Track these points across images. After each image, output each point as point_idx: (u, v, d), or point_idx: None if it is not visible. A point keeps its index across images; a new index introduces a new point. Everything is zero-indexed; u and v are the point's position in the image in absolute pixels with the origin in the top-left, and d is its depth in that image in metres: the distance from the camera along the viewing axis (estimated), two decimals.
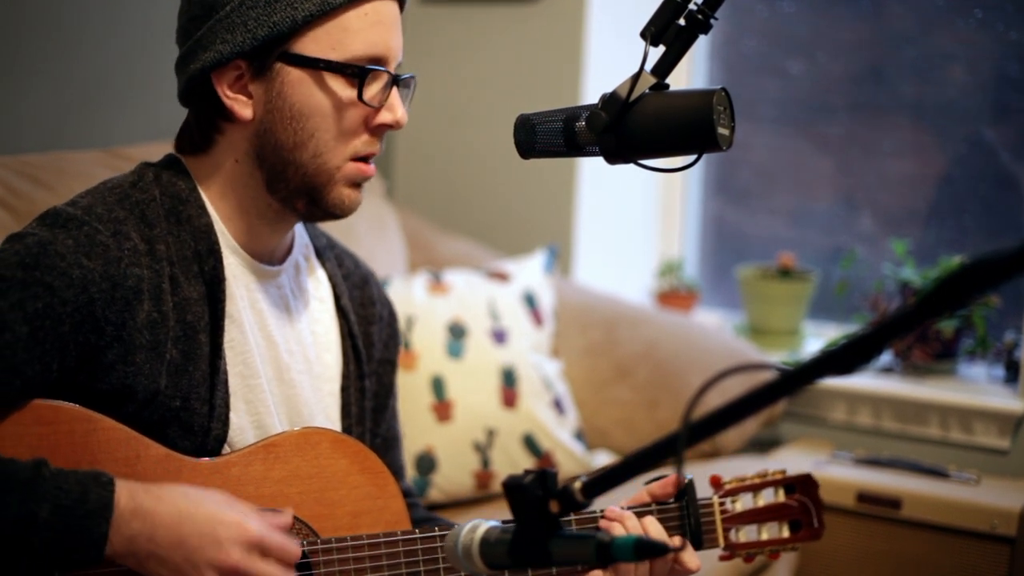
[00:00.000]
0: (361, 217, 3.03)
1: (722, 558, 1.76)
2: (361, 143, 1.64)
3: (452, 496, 2.77)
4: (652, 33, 1.40)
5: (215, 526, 1.45)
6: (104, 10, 2.72)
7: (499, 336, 2.87)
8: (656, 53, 1.41)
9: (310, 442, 1.66)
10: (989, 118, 3.41)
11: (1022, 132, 3.38)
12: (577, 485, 1.20)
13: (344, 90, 1.61)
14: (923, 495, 2.87)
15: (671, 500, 1.70)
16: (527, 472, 1.22)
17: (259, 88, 1.62)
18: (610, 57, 3.51)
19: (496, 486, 2.79)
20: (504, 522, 1.30)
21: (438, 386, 2.78)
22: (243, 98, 1.63)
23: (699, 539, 1.71)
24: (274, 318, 1.72)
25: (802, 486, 1.78)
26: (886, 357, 3.33)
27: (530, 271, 3.04)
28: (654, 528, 1.64)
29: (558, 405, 2.87)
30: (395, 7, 1.66)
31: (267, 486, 1.62)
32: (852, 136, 3.60)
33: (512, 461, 2.79)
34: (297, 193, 1.64)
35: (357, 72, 1.60)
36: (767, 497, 1.76)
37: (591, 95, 3.41)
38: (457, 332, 2.84)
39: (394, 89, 1.64)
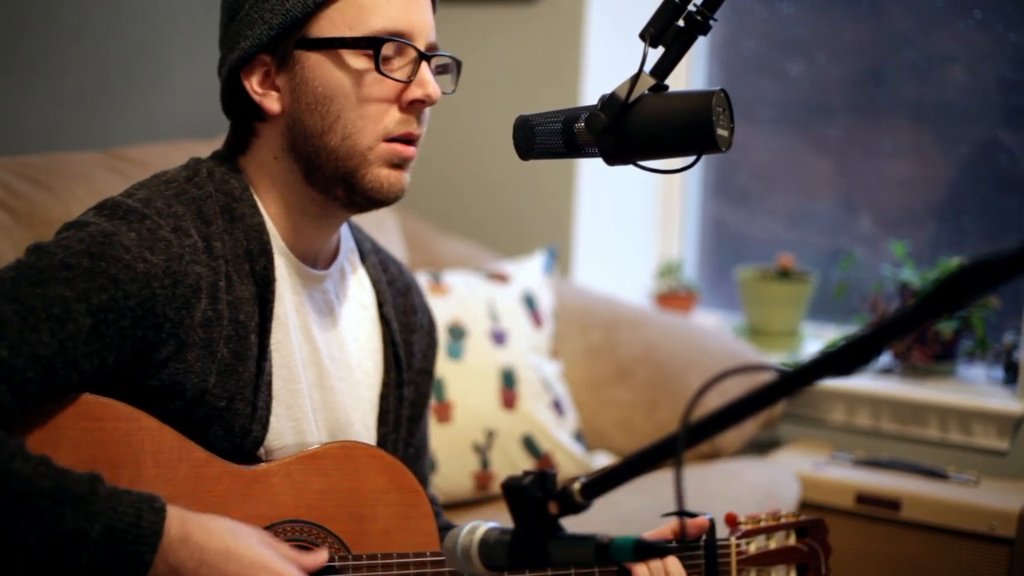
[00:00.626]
0: (360, 218, 3.03)
1: None
2: (393, 122, 1.61)
3: (451, 497, 2.77)
4: (651, 34, 1.40)
5: (259, 571, 1.45)
6: (104, 11, 2.72)
7: (498, 337, 2.87)
8: (655, 54, 1.41)
9: (350, 456, 1.66)
10: (989, 119, 3.41)
11: (1022, 133, 3.38)
12: (576, 486, 1.20)
13: (364, 65, 1.59)
14: (922, 496, 2.87)
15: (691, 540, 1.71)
16: (526, 473, 1.21)
17: (284, 79, 1.62)
18: (609, 58, 3.51)
19: (495, 487, 2.79)
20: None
21: (437, 387, 2.78)
22: (271, 92, 1.63)
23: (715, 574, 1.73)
24: (318, 323, 1.72)
25: (813, 530, 1.81)
26: (885, 358, 3.33)
27: (529, 272, 3.04)
28: (674, 565, 1.65)
29: (557, 406, 2.87)
30: None
31: (304, 497, 1.61)
32: (851, 137, 3.60)
33: (511, 462, 2.79)
34: (333, 180, 1.62)
35: (370, 44, 1.58)
36: (779, 538, 1.79)
37: (590, 96, 3.41)
38: (456, 333, 2.84)
39: (424, 65, 1.62)
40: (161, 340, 1.52)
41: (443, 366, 2.79)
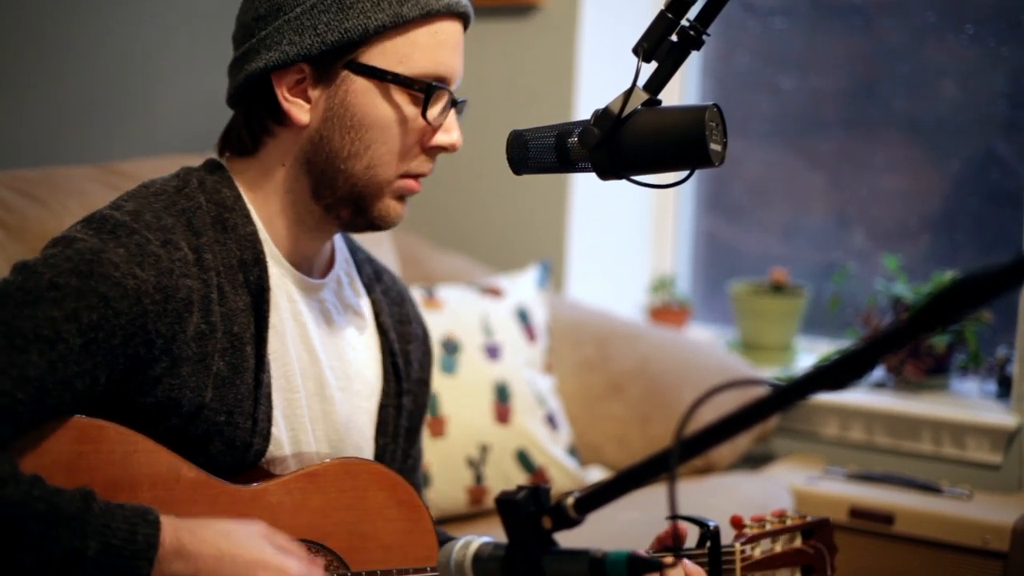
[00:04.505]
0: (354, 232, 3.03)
1: None
2: (416, 162, 1.63)
3: (445, 512, 2.77)
4: (644, 49, 1.40)
5: (256, 570, 1.45)
6: (99, 26, 2.72)
7: (492, 352, 2.87)
8: (648, 69, 1.41)
9: (350, 473, 1.65)
10: (981, 133, 3.42)
11: (1015, 147, 3.39)
12: (570, 501, 1.20)
13: (407, 106, 1.59)
14: (916, 510, 2.87)
15: (695, 546, 1.70)
16: (520, 488, 1.21)
17: (319, 94, 1.60)
18: (602, 73, 3.51)
19: (489, 502, 2.79)
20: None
21: (431, 401, 2.78)
22: (301, 102, 1.61)
23: None
24: (317, 332, 1.71)
25: (819, 531, 1.80)
26: (878, 372, 3.33)
27: (523, 287, 3.04)
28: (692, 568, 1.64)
29: (551, 421, 2.87)
30: (460, 28, 1.64)
31: (303, 515, 1.61)
32: (844, 151, 3.61)
33: (505, 477, 2.78)
34: (343, 202, 1.62)
35: (424, 88, 1.58)
36: (784, 541, 1.78)
37: (583, 111, 3.42)
38: (450, 348, 2.84)
39: (452, 111, 1.63)
40: (154, 357, 1.51)
41: (437, 380, 2.79)
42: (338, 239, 1.80)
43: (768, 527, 1.77)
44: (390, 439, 1.81)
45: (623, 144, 1.40)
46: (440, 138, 1.62)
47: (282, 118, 1.62)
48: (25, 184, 2.30)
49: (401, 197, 1.65)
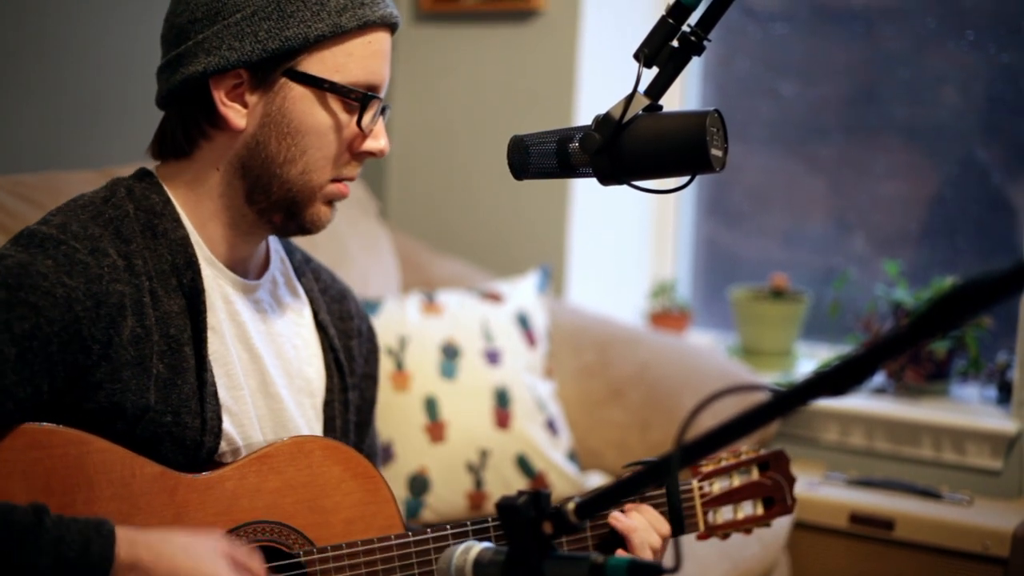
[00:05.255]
0: (354, 237, 3.03)
1: (699, 537, 1.82)
2: (347, 168, 1.67)
3: (445, 517, 2.77)
4: (645, 55, 1.40)
5: None
6: (100, 30, 2.72)
7: (492, 357, 2.87)
8: (649, 75, 1.42)
9: (303, 451, 1.67)
10: (981, 139, 3.42)
11: (1014, 153, 3.39)
12: (570, 506, 1.20)
13: (342, 113, 1.63)
14: (916, 516, 2.87)
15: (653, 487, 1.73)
16: (520, 493, 1.21)
17: (257, 99, 1.62)
18: (603, 79, 3.51)
19: (489, 507, 2.79)
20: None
21: (431, 406, 2.78)
22: (238, 107, 1.63)
23: (681, 526, 1.76)
24: (256, 331, 1.72)
25: (775, 462, 1.84)
26: (879, 378, 3.33)
27: (523, 292, 3.04)
28: (650, 513, 1.70)
29: (551, 426, 2.87)
30: (390, 38, 1.69)
31: (262, 498, 1.62)
32: (845, 157, 3.61)
33: (505, 482, 2.78)
34: (276, 207, 1.66)
35: (360, 98, 1.63)
36: (741, 476, 1.80)
37: (584, 117, 3.42)
38: (450, 353, 2.84)
39: (380, 118, 1.67)
40: (92, 363, 1.52)
41: (437, 385, 2.79)
42: (273, 241, 1.82)
43: (724, 464, 1.80)
44: (339, 435, 1.83)
45: (624, 149, 1.40)
46: (370, 144, 1.67)
47: (218, 122, 1.64)
48: (26, 189, 2.30)
49: (330, 202, 1.69)
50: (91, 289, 1.52)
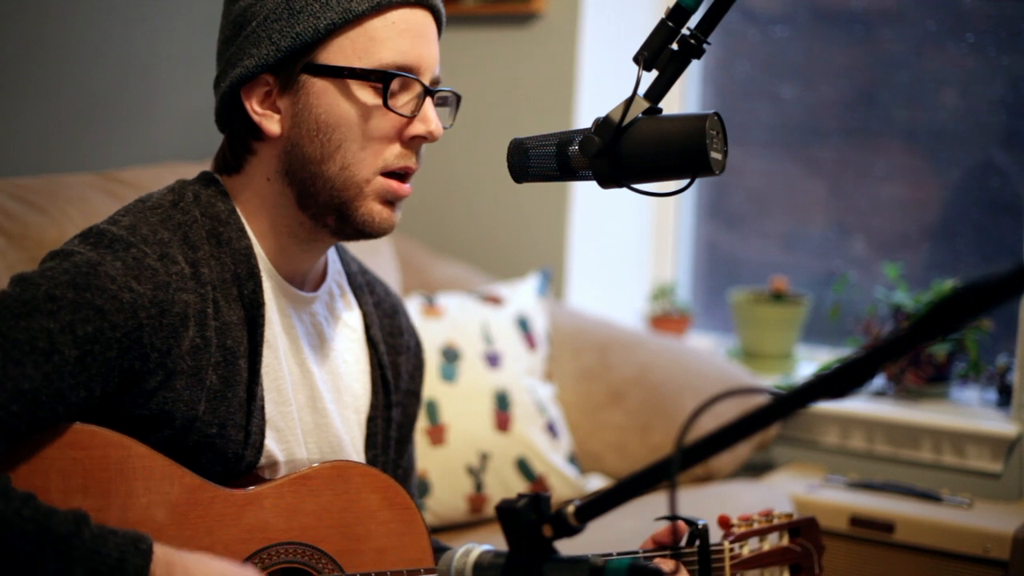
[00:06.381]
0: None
1: None
2: (392, 155, 1.61)
3: (445, 520, 2.77)
4: (645, 58, 1.40)
5: None
6: (99, 34, 2.72)
7: (492, 360, 2.87)
8: (649, 77, 1.42)
9: (342, 476, 1.65)
10: (981, 142, 3.42)
11: (1015, 156, 3.39)
12: (570, 509, 1.20)
13: (371, 99, 1.58)
14: (916, 519, 2.87)
15: (684, 545, 1.71)
16: (520, 496, 1.21)
17: (286, 102, 1.60)
18: (603, 82, 3.52)
19: (489, 510, 2.79)
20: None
21: (431, 410, 2.78)
22: (272, 114, 1.61)
23: None
24: (308, 346, 1.71)
25: (806, 529, 1.81)
26: (879, 381, 3.33)
27: (523, 295, 3.04)
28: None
29: (551, 429, 2.87)
30: (427, 17, 1.63)
31: (298, 519, 1.61)
32: (845, 160, 3.61)
33: (505, 485, 2.78)
34: (327, 208, 1.62)
35: (380, 78, 1.57)
36: (772, 540, 1.79)
37: (584, 120, 3.42)
38: (450, 355, 2.84)
39: (428, 100, 1.62)
40: (148, 370, 1.50)
41: (437, 388, 2.79)
42: (331, 253, 1.80)
43: (756, 526, 1.79)
44: (380, 451, 1.81)
45: (624, 152, 1.40)
46: (416, 127, 1.61)
47: (258, 133, 1.62)
48: (25, 192, 2.30)
49: (387, 201, 1.63)
50: (157, 296, 1.50)
